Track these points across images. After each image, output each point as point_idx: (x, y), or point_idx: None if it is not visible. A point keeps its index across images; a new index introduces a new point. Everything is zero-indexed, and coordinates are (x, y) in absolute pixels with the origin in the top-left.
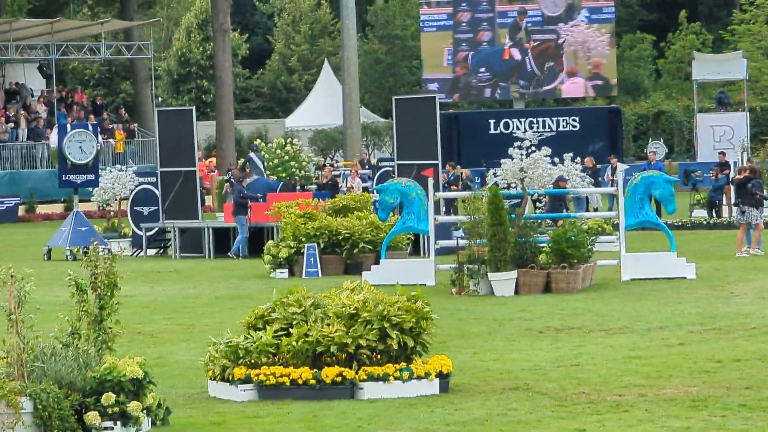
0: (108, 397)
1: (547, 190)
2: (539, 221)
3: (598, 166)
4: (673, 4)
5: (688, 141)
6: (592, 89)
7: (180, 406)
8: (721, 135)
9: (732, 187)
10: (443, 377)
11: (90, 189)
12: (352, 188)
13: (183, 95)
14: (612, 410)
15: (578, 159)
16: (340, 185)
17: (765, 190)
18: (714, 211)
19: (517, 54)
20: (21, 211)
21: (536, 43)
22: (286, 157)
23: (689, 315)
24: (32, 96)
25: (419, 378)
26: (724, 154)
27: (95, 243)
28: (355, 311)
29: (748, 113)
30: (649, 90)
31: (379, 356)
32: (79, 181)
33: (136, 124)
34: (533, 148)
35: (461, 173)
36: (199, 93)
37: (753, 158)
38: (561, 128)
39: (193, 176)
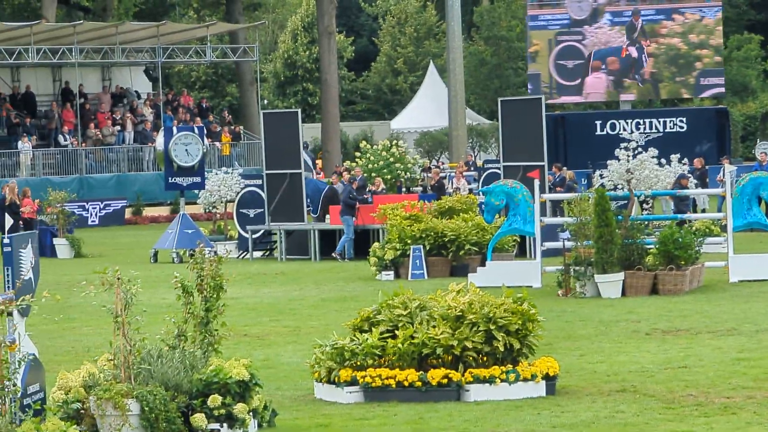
0: (214, 399)
1: (654, 191)
2: (646, 222)
3: (706, 167)
4: None
5: None
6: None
7: (286, 408)
8: None
9: None
10: (549, 379)
11: (196, 192)
12: (458, 189)
13: (289, 98)
14: (720, 413)
15: (685, 160)
16: (446, 187)
17: None
18: None
19: (634, 52)
20: (128, 213)
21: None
22: (392, 159)
23: None
24: (138, 99)
25: (525, 380)
26: None
27: (201, 245)
28: (461, 313)
29: None
30: (757, 90)
31: (485, 358)
32: (185, 184)
33: (241, 127)
34: (640, 149)
35: (566, 175)
36: (305, 95)
37: None
38: (668, 129)
39: (299, 178)
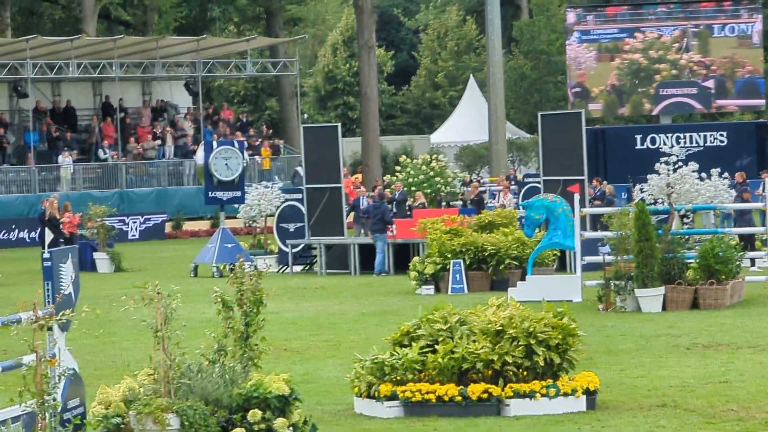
0: (254, 414)
1: (694, 206)
2: (686, 237)
3: (747, 181)
4: None
5: None
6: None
7: (326, 423)
8: None
9: None
10: (590, 394)
11: (236, 206)
12: (504, 206)
13: (329, 111)
14: (762, 428)
15: (726, 174)
16: (486, 201)
17: None
18: None
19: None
20: (168, 227)
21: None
22: (432, 173)
23: None
24: (178, 113)
25: (566, 395)
26: None
27: (241, 260)
28: (501, 328)
29: None
30: None
31: (525, 373)
32: (225, 198)
33: (282, 141)
34: (680, 163)
35: (606, 189)
36: (346, 109)
37: None
38: (708, 143)
39: (339, 193)
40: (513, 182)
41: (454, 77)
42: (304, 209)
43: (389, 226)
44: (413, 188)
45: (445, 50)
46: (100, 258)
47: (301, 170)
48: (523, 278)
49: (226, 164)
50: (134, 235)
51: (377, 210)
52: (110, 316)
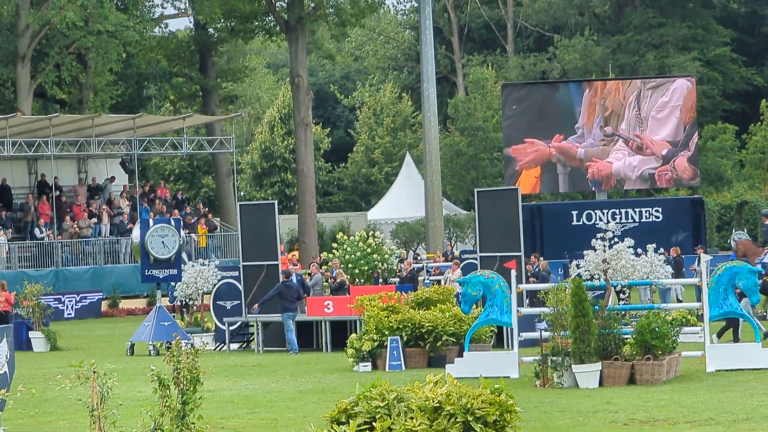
0: None
1: (630, 281)
2: (623, 312)
3: (682, 256)
4: (756, 95)
5: None
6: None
7: None
8: None
9: None
10: None
11: (173, 284)
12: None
13: (266, 188)
14: None
15: (662, 249)
16: (423, 278)
17: None
18: None
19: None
20: (104, 306)
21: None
22: (369, 250)
23: None
24: (113, 189)
25: None
26: None
27: (178, 338)
28: (438, 404)
29: None
30: (732, 180)
31: None
32: (161, 276)
33: (218, 219)
34: (616, 239)
35: (540, 265)
36: (283, 186)
37: None
38: (644, 219)
39: (276, 270)
40: (450, 259)
41: (391, 153)
42: (240, 287)
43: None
44: (350, 265)
45: (381, 127)
46: (36, 337)
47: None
48: (460, 355)
49: (163, 242)
50: (70, 314)
51: (290, 289)
52: (46, 395)
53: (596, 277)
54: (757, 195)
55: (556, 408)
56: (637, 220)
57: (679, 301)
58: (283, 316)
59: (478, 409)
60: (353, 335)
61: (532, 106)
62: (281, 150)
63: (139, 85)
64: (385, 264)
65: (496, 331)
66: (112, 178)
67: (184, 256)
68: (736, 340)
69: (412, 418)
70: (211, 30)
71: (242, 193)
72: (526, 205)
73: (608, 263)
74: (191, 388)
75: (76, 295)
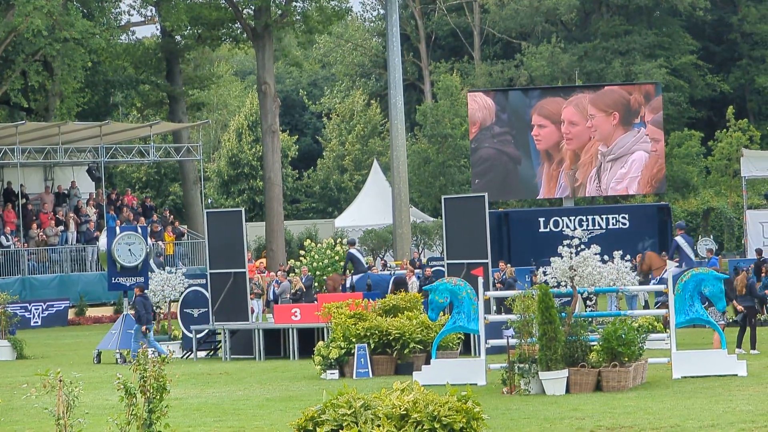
0: None
1: (597, 288)
2: (589, 319)
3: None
4: (722, 102)
5: (737, 237)
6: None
7: None
8: None
9: None
10: None
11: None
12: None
13: (234, 196)
14: None
15: (628, 256)
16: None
17: None
18: (765, 307)
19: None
20: (71, 314)
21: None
22: (336, 257)
23: (741, 413)
24: (79, 197)
25: None
26: (761, 251)
27: (144, 346)
28: (405, 412)
29: None
30: (699, 187)
31: None
32: (128, 284)
33: (185, 226)
34: (583, 246)
35: (506, 271)
36: (251, 194)
37: None
38: (611, 226)
39: (243, 278)
40: (419, 266)
41: (360, 161)
42: (208, 294)
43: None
44: (318, 272)
45: (351, 133)
46: (2, 345)
47: (356, 252)
48: (427, 362)
49: (130, 250)
50: (36, 322)
51: (147, 301)
52: (11, 404)
53: (563, 284)
54: (723, 201)
55: (523, 415)
56: (604, 226)
57: (645, 307)
58: (137, 328)
59: (445, 417)
60: (320, 343)
61: (495, 177)
62: (249, 157)
63: (105, 93)
64: (352, 271)
65: (463, 338)
66: (72, 183)
67: (152, 263)
68: (738, 345)
69: (379, 426)
70: (177, 37)
71: (209, 201)
72: (493, 212)
73: (575, 270)
74: (158, 396)
75: (42, 304)
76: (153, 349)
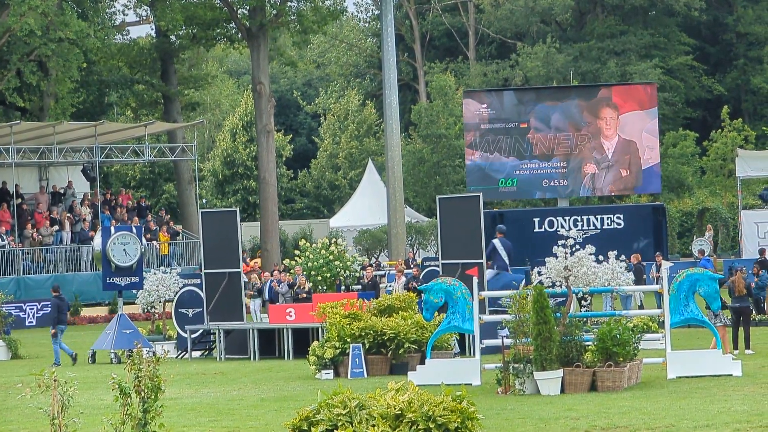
0: None
1: (592, 288)
2: (584, 319)
3: (643, 263)
4: (717, 102)
5: (732, 238)
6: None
7: None
8: (766, 231)
9: None
10: None
11: (134, 291)
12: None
13: (228, 196)
14: None
15: (623, 256)
16: (386, 285)
17: None
18: (760, 307)
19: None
20: None
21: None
22: (331, 257)
23: (736, 413)
24: (74, 197)
25: None
26: (764, 251)
27: (139, 346)
28: (400, 412)
29: None
30: (694, 187)
31: None
32: (123, 284)
33: (180, 226)
34: (577, 246)
35: None
36: (246, 194)
37: None
38: (605, 226)
39: (238, 278)
40: (413, 265)
41: (355, 159)
42: (202, 294)
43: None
44: (312, 272)
45: (345, 132)
46: None
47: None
48: (422, 362)
49: (124, 250)
50: (31, 322)
51: (63, 302)
52: (6, 403)
53: (558, 284)
54: (718, 202)
55: (518, 415)
56: (599, 227)
57: (640, 307)
58: (57, 329)
59: (440, 417)
60: (315, 343)
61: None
62: (243, 157)
63: (100, 93)
64: (347, 271)
65: (458, 338)
66: (69, 183)
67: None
68: (735, 346)
69: (373, 426)
70: (172, 37)
71: (204, 201)
72: (488, 212)
73: (569, 270)
74: (152, 396)
75: (37, 303)
76: (64, 352)
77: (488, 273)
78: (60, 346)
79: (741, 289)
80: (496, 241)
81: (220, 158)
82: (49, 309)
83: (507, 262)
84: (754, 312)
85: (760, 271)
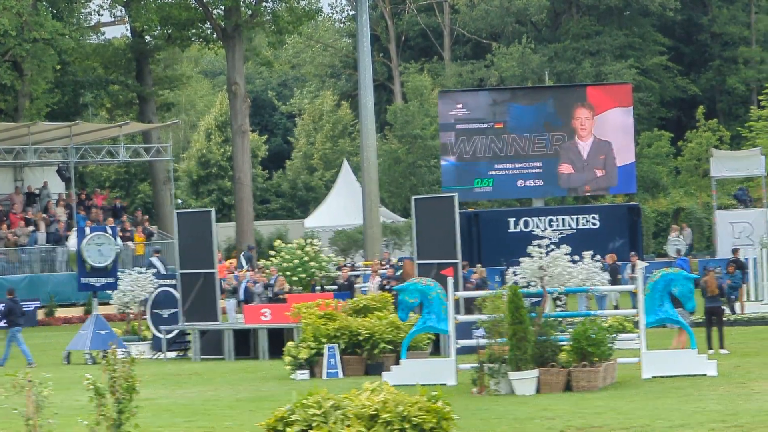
0: None
1: (567, 288)
2: (559, 319)
3: (618, 263)
4: (692, 102)
5: (707, 238)
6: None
7: None
8: (740, 231)
9: None
10: None
11: (109, 292)
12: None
13: (203, 196)
14: None
15: (598, 256)
16: (361, 286)
17: None
18: (730, 307)
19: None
20: (41, 314)
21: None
22: (306, 258)
23: (711, 413)
24: (49, 197)
25: None
26: (737, 250)
27: (114, 346)
28: (375, 412)
29: (767, 210)
30: (669, 187)
31: None
32: (98, 285)
33: (155, 226)
34: (553, 246)
35: (478, 272)
36: (221, 194)
37: None
38: (581, 226)
39: (213, 278)
40: (387, 265)
41: (330, 160)
42: (178, 295)
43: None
44: (287, 273)
45: (320, 133)
46: None
47: (156, 260)
48: (397, 362)
49: (99, 250)
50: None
51: (17, 305)
52: None
53: (533, 284)
54: (693, 202)
55: (493, 415)
56: (574, 227)
57: (615, 307)
58: (11, 331)
59: (415, 417)
60: (290, 343)
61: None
62: (218, 158)
63: (75, 93)
64: (322, 271)
65: (433, 338)
66: (45, 184)
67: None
68: (709, 345)
69: (348, 426)
70: (147, 38)
71: (179, 201)
72: (464, 213)
73: (545, 270)
74: (127, 397)
75: None
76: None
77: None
78: (9, 346)
79: (713, 289)
80: None
81: (195, 158)
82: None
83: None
84: (727, 311)
85: (735, 271)
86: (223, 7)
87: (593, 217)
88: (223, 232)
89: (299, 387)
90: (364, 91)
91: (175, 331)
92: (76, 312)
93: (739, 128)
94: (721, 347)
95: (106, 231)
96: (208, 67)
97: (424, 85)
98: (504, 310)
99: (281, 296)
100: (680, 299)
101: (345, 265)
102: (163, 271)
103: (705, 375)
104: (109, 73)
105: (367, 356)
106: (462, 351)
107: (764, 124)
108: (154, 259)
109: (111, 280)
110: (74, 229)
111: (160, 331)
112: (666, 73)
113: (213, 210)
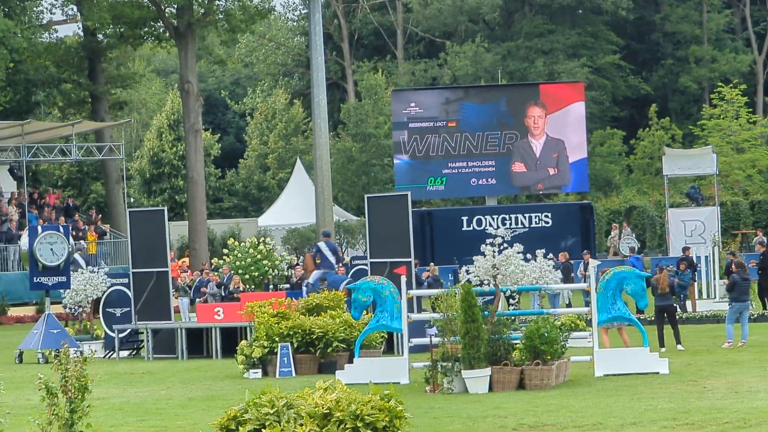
0: None
1: (520, 287)
2: (512, 318)
3: (571, 261)
4: (644, 101)
5: (660, 236)
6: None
7: None
8: (693, 229)
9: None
10: None
11: (61, 291)
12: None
13: (156, 195)
14: None
15: (551, 255)
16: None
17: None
18: (680, 305)
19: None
20: None
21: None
22: (259, 257)
23: (662, 410)
24: (1, 196)
25: None
26: (688, 249)
27: (66, 346)
28: (328, 411)
29: (718, 208)
30: (621, 185)
31: None
32: (50, 284)
33: (108, 225)
34: (506, 244)
35: (431, 271)
36: (173, 193)
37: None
38: (533, 224)
39: (166, 277)
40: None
41: (284, 159)
42: (130, 294)
43: None
44: (240, 271)
45: (274, 132)
46: None
47: (78, 257)
48: (350, 361)
49: (52, 249)
50: None
51: None
52: None
53: (486, 282)
54: (645, 200)
55: (446, 413)
56: (527, 225)
57: (568, 306)
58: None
59: (368, 415)
60: (243, 342)
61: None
62: (170, 156)
63: (27, 92)
64: (275, 270)
65: (386, 336)
66: None
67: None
68: (662, 344)
69: (301, 425)
70: (100, 36)
71: (132, 200)
72: (417, 211)
73: (498, 269)
74: (79, 396)
75: None
76: None
77: (314, 274)
78: None
79: (665, 287)
80: (321, 244)
81: (148, 157)
82: None
83: (333, 262)
84: (678, 309)
85: (686, 269)
86: (175, 6)
87: (546, 216)
88: (175, 231)
89: (252, 386)
90: (317, 90)
91: (128, 330)
92: (29, 311)
93: (691, 127)
94: (678, 343)
95: (58, 230)
96: (160, 66)
97: (378, 83)
98: (457, 309)
99: (236, 295)
100: (633, 297)
101: (298, 264)
102: (84, 267)
103: (657, 373)
104: (61, 71)
105: (320, 355)
106: (415, 349)
107: (716, 123)
108: (77, 256)
109: (63, 279)
110: (27, 228)
111: (112, 330)
112: (618, 71)
113: (166, 209)
